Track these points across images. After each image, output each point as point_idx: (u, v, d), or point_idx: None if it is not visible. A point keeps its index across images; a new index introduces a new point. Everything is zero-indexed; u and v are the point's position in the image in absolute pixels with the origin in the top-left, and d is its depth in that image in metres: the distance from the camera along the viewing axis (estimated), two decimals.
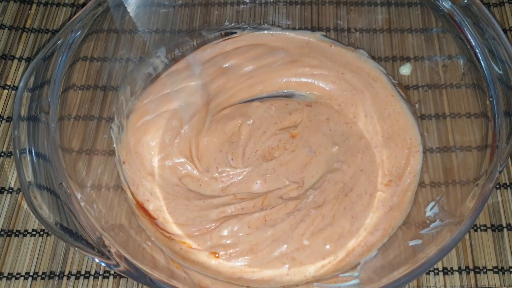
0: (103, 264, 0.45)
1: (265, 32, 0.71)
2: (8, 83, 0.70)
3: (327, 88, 0.67)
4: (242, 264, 0.56)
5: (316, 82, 0.67)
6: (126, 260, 0.45)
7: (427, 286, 0.58)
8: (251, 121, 0.65)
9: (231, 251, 0.56)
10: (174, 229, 0.58)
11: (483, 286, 0.58)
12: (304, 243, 0.57)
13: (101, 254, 0.45)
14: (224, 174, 0.62)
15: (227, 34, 0.71)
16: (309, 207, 0.59)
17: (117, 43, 0.63)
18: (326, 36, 0.70)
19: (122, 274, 0.45)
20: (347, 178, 0.61)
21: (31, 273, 0.60)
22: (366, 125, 0.64)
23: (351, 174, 0.61)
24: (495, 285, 0.58)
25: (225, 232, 0.57)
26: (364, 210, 0.59)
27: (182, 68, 0.68)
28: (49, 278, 0.59)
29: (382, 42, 0.69)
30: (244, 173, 0.61)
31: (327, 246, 0.56)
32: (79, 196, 0.48)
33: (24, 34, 0.73)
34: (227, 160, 0.62)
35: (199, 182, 0.62)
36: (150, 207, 0.59)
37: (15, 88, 0.70)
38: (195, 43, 0.71)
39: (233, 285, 0.54)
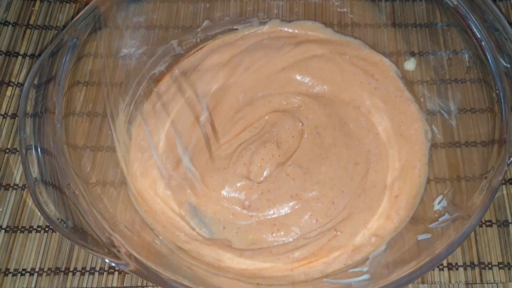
0: (112, 264, 0.45)
1: (267, 27, 0.71)
2: (13, 79, 0.70)
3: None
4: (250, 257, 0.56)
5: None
6: (136, 259, 0.45)
7: (432, 282, 0.58)
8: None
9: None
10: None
11: (488, 282, 0.58)
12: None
13: (110, 253, 0.45)
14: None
15: (230, 30, 0.71)
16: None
17: (120, 40, 0.63)
18: None
19: (133, 274, 0.45)
20: (358, 174, 0.61)
21: (37, 269, 0.60)
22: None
23: (360, 169, 0.61)
24: (500, 280, 0.58)
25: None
26: (373, 203, 0.59)
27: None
28: (55, 274, 0.59)
29: (386, 37, 0.69)
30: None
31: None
32: (86, 196, 0.48)
33: (28, 30, 0.73)
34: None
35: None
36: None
37: (19, 85, 0.70)
38: (198, 40, 0.71)
39: (244, 282, 0.54)
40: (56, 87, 0.51)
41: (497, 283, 0.58)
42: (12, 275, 0.59)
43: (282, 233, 0.57)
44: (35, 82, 0.50)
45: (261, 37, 0.70)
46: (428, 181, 0.59)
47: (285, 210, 0.58)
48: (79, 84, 0.56)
